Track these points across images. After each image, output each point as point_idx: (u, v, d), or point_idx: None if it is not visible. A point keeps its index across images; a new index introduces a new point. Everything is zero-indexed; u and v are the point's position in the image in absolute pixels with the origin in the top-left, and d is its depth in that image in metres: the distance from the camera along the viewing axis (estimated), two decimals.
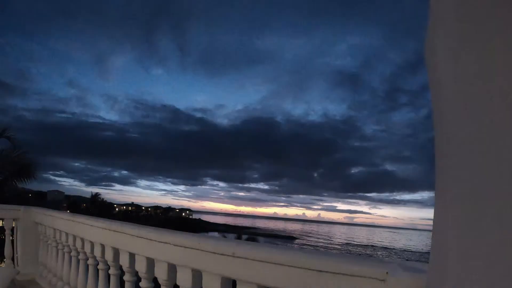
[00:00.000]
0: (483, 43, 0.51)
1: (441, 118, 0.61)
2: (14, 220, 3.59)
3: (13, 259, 3.58)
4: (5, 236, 3.64)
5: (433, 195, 0.61)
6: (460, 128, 0.55)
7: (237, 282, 1.20)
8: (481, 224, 0.51)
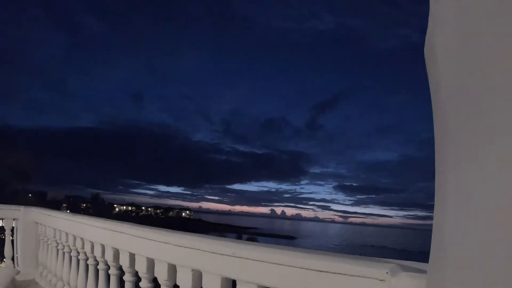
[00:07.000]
0: (483, 43, 0.51)
1: (441, 118, 0.61)
2: (14, 220, 3.59)
3: (13, 259, 3.58)
4: (5, 236, 3.63)
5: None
6: (460, 128, 0.55)
7: (237, 282, 1.20)
8: (481, 224, 0.51)
